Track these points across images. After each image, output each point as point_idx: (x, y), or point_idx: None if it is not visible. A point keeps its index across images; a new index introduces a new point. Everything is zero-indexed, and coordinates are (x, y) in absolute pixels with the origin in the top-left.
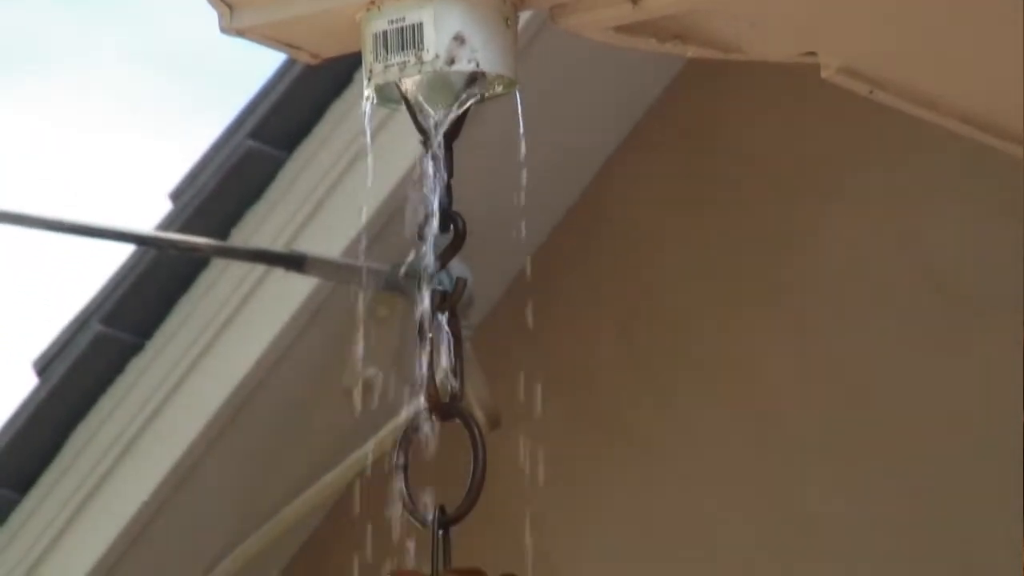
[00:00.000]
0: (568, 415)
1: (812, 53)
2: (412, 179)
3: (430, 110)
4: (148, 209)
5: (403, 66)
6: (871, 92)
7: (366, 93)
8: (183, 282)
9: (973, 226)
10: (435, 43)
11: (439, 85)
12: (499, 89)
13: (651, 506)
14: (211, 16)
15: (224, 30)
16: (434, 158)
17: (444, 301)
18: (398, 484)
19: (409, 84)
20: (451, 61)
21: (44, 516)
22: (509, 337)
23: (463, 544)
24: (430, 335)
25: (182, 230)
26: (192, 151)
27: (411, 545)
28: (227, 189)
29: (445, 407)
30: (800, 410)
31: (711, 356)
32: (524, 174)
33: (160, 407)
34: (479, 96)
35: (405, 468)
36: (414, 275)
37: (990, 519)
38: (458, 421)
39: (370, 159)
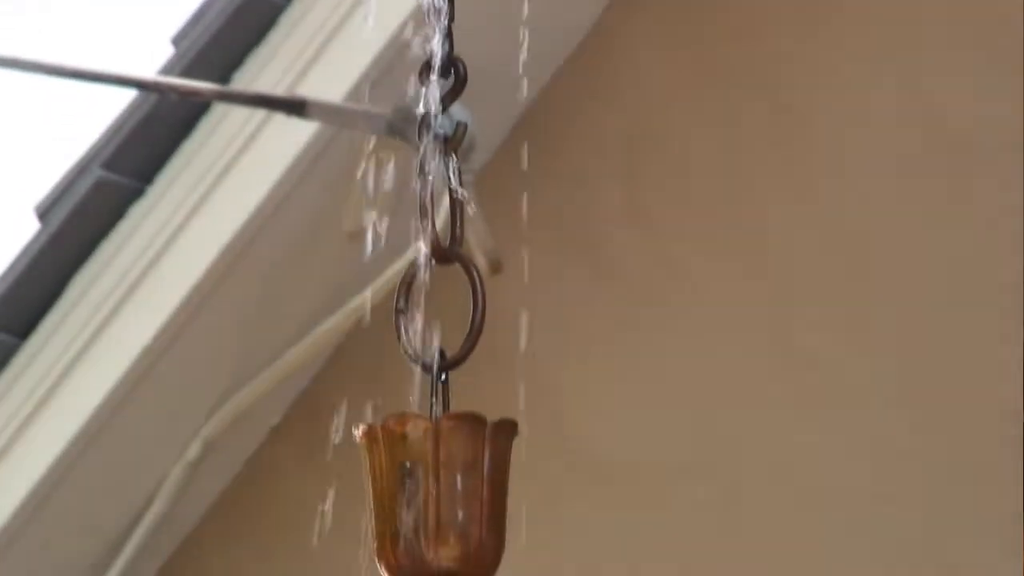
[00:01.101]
0: (568, 261)
1: None
2: (413, 24)
3: None
4: (150, 53)
5: None
6: None
7: None
8: (184, 127)
9: (972, 73)
10: None
11: None
12: None
13: (651, 353)
14: None
15: None
16: (435, 2)
17: (445, 145)
18: (397, 329)
19: None
20: None
21: (45, 360)
22: (511, 183)
23: (462, 389)
24: (431, 179)
25: (183, 75)
26: None
27: (410, 390)
28: (228, 34)
29: (445, 252)
30: (801, 257)
31: (713, 204)
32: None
33: (161, 252)
34: None
35: (405, 313)
36: (415, 119)
37: (988, 362)
38: (458, 265)
39: (373, 1)
